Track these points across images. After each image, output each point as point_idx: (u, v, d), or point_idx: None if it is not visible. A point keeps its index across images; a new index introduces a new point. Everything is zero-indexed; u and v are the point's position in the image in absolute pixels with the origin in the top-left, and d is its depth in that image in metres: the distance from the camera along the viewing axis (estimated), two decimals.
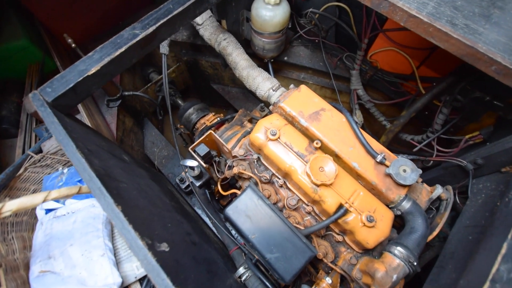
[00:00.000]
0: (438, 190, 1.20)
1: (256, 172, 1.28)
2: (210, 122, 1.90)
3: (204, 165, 1.22)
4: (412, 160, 1.58)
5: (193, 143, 1.90)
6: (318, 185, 1.09)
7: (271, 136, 1.16)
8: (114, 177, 0.93)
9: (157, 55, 2.33)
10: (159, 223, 0.97)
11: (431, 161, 1.58)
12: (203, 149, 1.17)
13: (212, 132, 1.23)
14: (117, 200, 0.77)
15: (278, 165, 1.19)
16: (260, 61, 1.95)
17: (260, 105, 1.88)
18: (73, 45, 1.32)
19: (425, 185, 1.26)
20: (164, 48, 1.51)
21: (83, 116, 1.40)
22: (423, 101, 1.53)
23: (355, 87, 1.90)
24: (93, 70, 0.96)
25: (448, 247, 1.18)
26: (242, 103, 2.35)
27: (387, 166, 1.13)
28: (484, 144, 1.35)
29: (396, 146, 1.94)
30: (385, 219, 1.07)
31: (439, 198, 1.23)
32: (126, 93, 1.79)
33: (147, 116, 2.34)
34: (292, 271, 0.99)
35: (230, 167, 1.32)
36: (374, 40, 1.80)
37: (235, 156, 1.30)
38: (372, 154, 1.14)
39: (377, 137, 1.81)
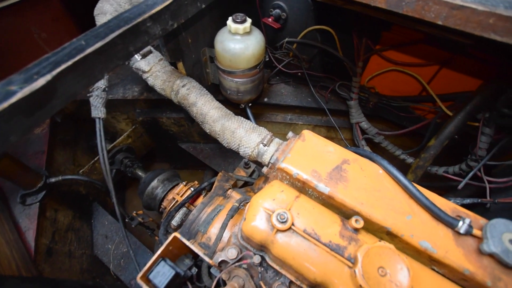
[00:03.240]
0: None
1: (262, 286, 0.75)
2: (181, 197, 1.39)
3: None
4: (467, 205, 1.13)
5: (159, 229, 1.34)
6: None
7: (278, 225, 0.67)
8: None
9: (106, 118, 1.86)
10: None
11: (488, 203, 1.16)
12: (164, 276, 0.63)
13: (177, 235, 0.71)
14: None
15: (300, 271, 0.68)
16: (234, 107, 1.56)
17: (243, 161, 1.43)
18: None
19: None
20: (97, 110, 1.06)
21: None
22: (456, 123, 1.17)
23: (356, 120, 1.53)
24: None
25: None
26: (220, 161, 1.88)
27: (479, 238, 0.68)
28: None
29: (424, 181, 1.53)
30: None
31: None
32: (54, 180, 1.25)
33: (97, 200, 1.76)
34: None
35: (219, 284, 0.78)
36: (366, 65, 1.51)
37: (223, 263, 0.77)
38: (447, 222, 0.69)
39: None
